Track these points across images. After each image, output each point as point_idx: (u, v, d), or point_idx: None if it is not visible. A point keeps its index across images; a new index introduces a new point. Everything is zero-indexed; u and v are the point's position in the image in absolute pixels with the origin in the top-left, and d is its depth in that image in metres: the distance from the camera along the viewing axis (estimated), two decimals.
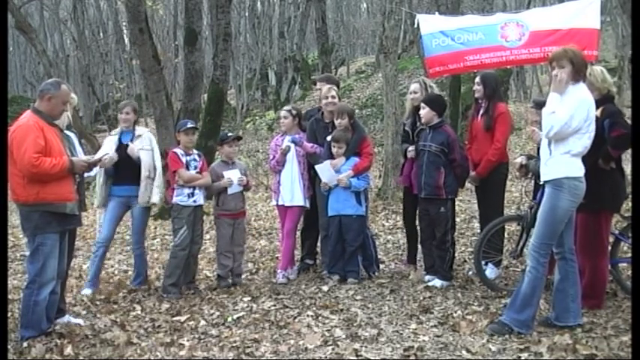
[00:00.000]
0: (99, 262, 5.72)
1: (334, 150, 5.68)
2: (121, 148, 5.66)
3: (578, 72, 3.97)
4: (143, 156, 5.60)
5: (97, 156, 4.83)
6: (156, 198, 5.64)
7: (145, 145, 5.66)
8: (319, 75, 14.71)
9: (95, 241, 6.05)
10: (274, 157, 5.92)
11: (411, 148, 5.63)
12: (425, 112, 5.38)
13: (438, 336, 4.04)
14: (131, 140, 5.69)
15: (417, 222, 5.73)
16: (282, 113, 6.10)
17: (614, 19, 20.17)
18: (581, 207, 4.10)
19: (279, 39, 26.71)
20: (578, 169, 3.96)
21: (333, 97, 5.84)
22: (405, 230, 6.15)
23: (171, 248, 5.56)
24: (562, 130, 3.86)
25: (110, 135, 6.02)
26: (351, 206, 5.61)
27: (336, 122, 5.71)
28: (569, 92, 3.97)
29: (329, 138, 5.72)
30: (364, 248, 5.71)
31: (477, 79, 5.61)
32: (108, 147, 5.68)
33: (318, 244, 6.14)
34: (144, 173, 5.57)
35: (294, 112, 6.03)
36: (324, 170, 5.62)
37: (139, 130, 5.85)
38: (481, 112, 5.58)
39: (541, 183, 4.19)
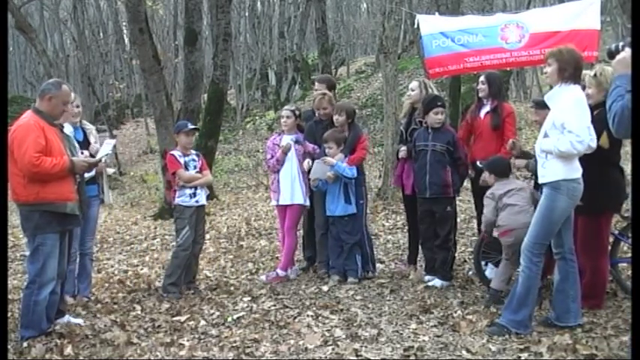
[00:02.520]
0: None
1: (327, 151, 5.69)
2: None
3: (562, 71, 3.94)
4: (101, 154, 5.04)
5: (97, 156, 4.82)
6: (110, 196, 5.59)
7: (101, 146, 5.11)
8: (319, 75, 14.72)
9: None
10: (273, 156, 5.91)
11: (403, 148, 5.64)
12: (445, 116, 5.43)
13: (438, 336, 4.04)
14: (84, 137, 5.31)
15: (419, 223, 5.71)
16: (285, 113, 6.04)
17: (614, 19, 20.19)
18: (582, 209, 4.10)
19: (279, 39, 26.73)
20: (575, 171, 3.96)
21: (324, 107, 5.85)
22: (408, 231, 6.09)
23: (174, 248, 5.56)
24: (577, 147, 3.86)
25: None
26: (341, 207, 5.62)
27: (334, 118, 5.72)
28: (562, 95, 3.96)
29: None
30: (360, 246, 5.71)
31: (482, 79, 5.62)
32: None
33: None
34: (107, 172, 5.44)
35: (297, 112, 6.04)
36: (317, 168, 5.66)
37: (87, 124, 5.44)
38: (486, 110, 5.57)
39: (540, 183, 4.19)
